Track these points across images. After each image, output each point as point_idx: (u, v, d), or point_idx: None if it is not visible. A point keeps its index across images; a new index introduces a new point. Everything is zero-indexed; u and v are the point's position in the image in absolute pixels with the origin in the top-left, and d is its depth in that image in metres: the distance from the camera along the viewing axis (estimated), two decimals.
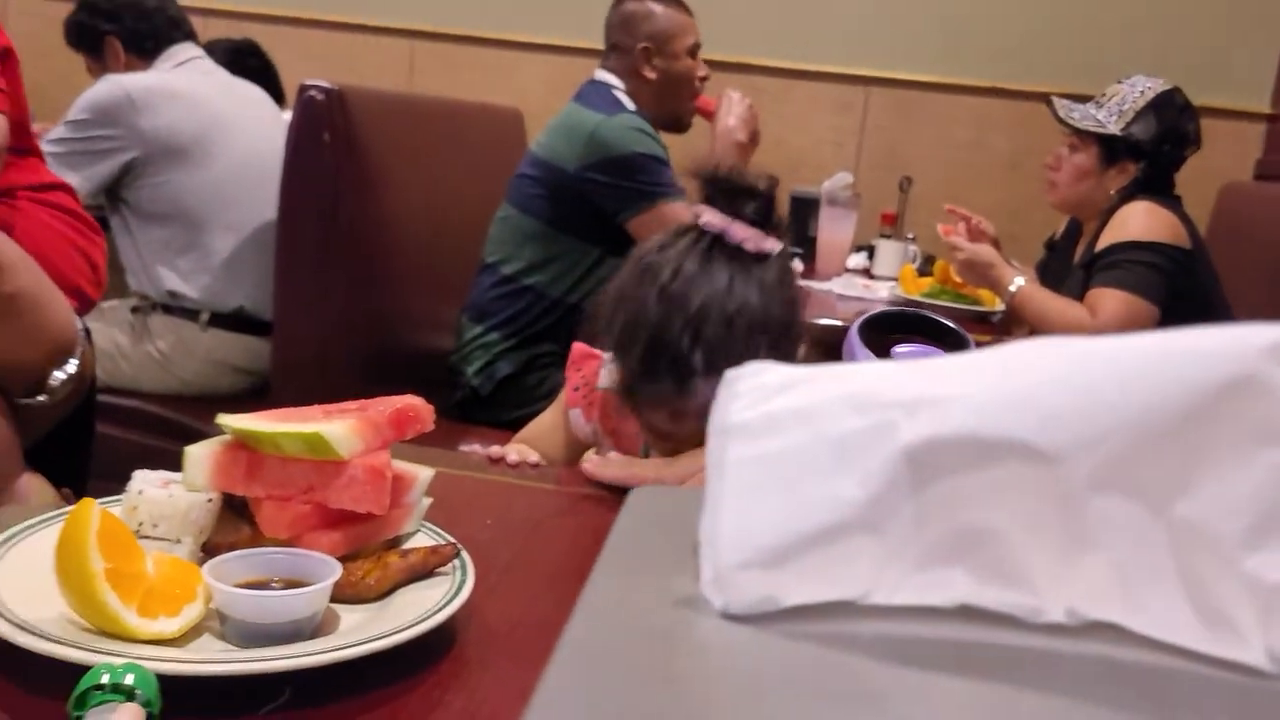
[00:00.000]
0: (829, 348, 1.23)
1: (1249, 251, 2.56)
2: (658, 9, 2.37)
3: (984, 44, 3.38)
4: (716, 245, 0.97)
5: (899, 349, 0.82)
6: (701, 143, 2.43)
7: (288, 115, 2.28)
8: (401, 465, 0.72)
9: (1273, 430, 0.33)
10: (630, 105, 2.28)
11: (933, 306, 2.35)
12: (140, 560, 0.59)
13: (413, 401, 0.73)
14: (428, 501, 0.75)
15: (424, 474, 0.74)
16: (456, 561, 0.70)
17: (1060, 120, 2.24)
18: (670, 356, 0.95)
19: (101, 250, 0.94)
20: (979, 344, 2.13)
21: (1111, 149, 2.20)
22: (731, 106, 2.41)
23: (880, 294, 2.53)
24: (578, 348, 1.21)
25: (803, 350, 1.04)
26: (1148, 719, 0.31)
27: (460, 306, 2.33)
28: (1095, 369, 0.33)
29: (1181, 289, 2.09)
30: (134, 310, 2.37)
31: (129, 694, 0.51)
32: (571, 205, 2.20)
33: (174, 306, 2.34)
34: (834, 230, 2.75)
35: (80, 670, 0.52)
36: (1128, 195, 2.18)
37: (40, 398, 0.86)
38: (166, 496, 0.65)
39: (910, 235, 3.10)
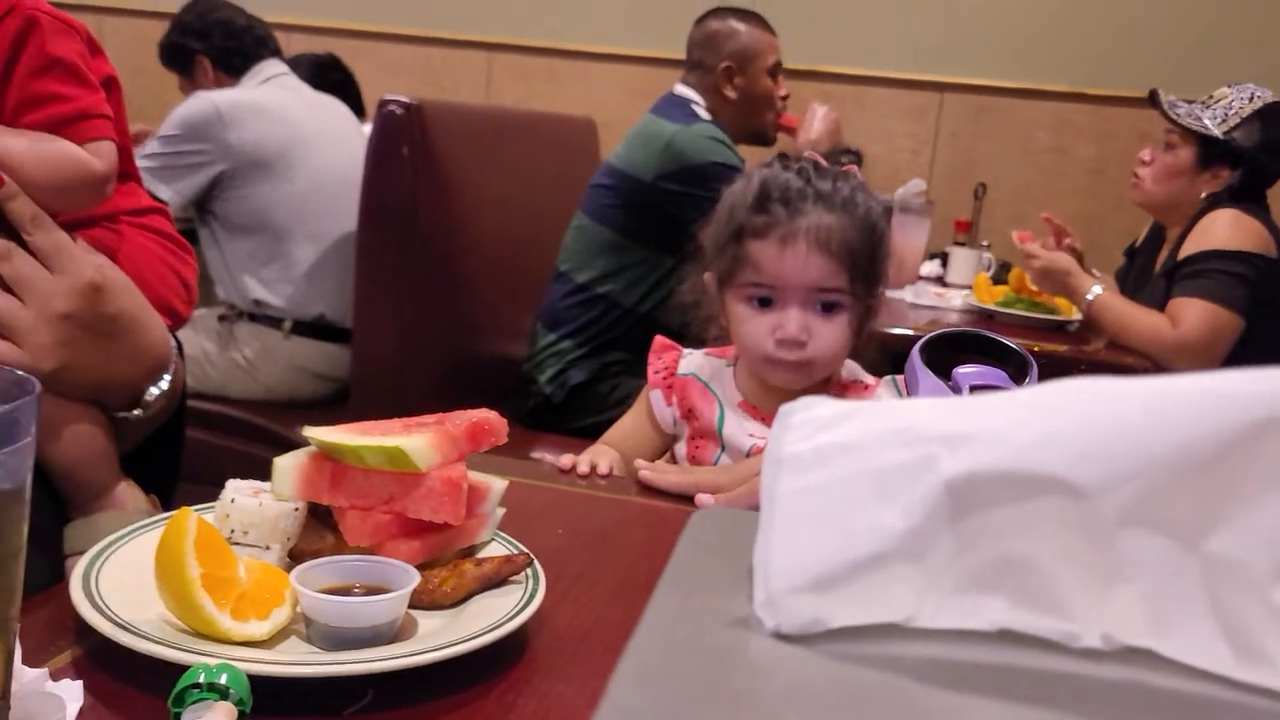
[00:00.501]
0: (897, 358, 1.24)
1: None
2: (741, 28, 2.37)
3: (1065, 49, 3.32)
4: None
5: (961, 370, 0.82)
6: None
7: (367, 128, 2.35)
8: (476, 476, 0.75)
9: None
10: (707, 118, 2.30)
11: (1008, 315, 2.32)
12: (233, 566, 0.63)
13: (488, 415, 0.76)
14: (501, 511, 0.78)
15: (498, 485, 0.77)
16: (528, 570, 0.72)
17: (1164, 115, 2.20)
18: (782, 185, 1.12)
19: (193, 269, 0.99)
20: (1052, 355, 2.10)
21: (1209, 151, 2.16)
22: (815, 119, 2.41)
23: (954, 302, 2.50)
24: (659, 339, 1.27)
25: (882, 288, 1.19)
26: None
27: (533, 314, 2.37)
28: (1129, 409, 0.34)
29: (1268, 298, 2.04)
30: (221, 319, 2.46)
31: (223, 693, 0.54)
32: (646, 215, 2.22)
33: (259, 315, 2.42)
34: (906, 238, 2.73)
35: (178, 669, 0.56)
36: (1215, 201, 2.14)
37: (136, 412, 0.90)
38: (256, 505, 0.69)
39: (985, 243, 3.07)
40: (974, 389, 0.81)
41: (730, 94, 2.34)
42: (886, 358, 1.24)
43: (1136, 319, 2.07)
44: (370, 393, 2.22)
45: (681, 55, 2.45)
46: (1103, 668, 0.36)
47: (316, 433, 0.70)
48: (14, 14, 0.83)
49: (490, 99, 3.72)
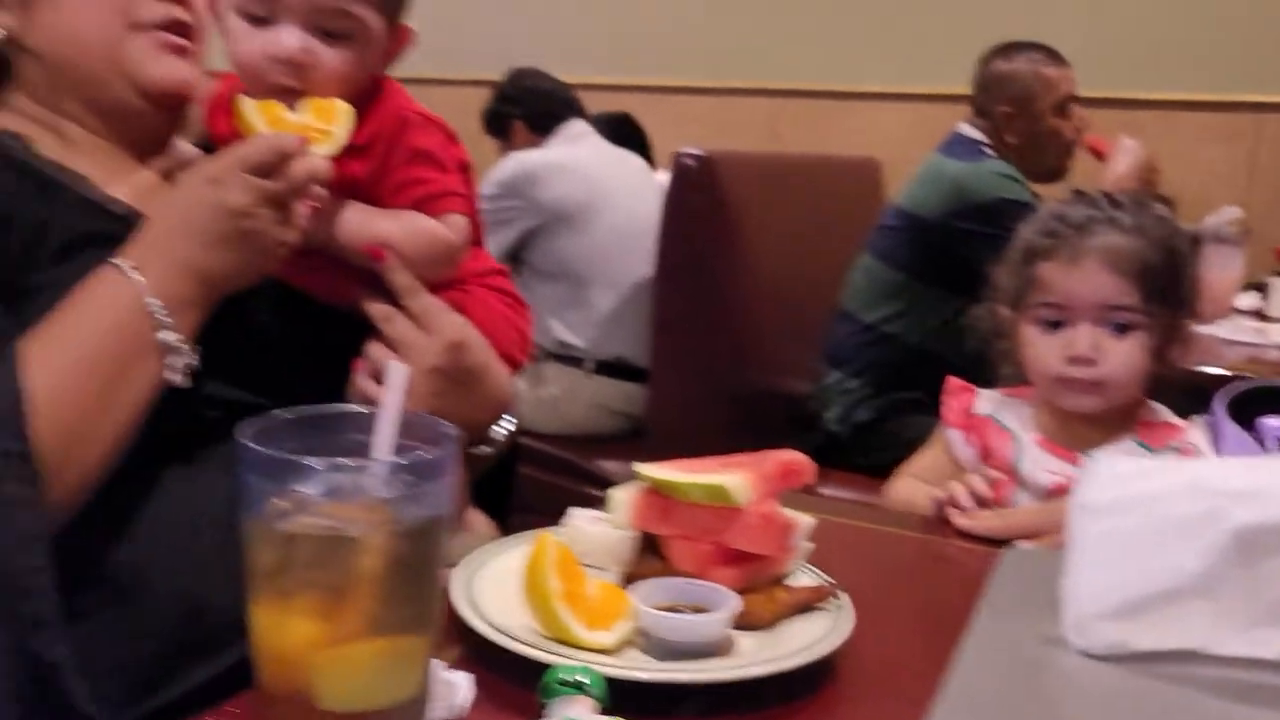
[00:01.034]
0: (1202, 396, 1.20)
1: None
2: (1022, 68, 2.31)
3: None
4: None
5: (1267, 421, 0.81)
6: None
7: (659, 176, 2.50)
8: (787, 512, 0.82)
9: None
10: (994, 156, 2.27)
11: None
12: (584, 583, 0.73)
13: (796, 456, 0.83)
14: (809, 545, 0.85)
15: (805, 521, 0.84)
16: (835, 600, 0.78)
17: None
18: (1074, 210, 1.16)
19: (529, 321, 1.12)
20: None
21: None
22: (1124, 154, 2.32)
23: (1274, 338, 2.32)
24: (951, 380, 1.29)
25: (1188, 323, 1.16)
26: None
27: (817, 352, 2.41)
28: None
29: None
30: (530, 359, 2.68)
31: (580, 689, 0.64)
32: (934, 255, 2.21)
33: (564, 355, 2.63)
34: (1219, 269, 2.57)
35: (539, 668, 0.66)
36: None
37: (484, 448, 1.03)
38: (598, 532, 0.80)
39: None
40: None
41: (1011, 139, 2.29)
42: (1187, 397, 1.20)
43: None
44: (664, 428, 2.35)
45: (965, 90, 2.42)
46: None
47: (648, 469, 0.80)
48: (391, 116, 0.99)
49: (776, 144, 3.82)
